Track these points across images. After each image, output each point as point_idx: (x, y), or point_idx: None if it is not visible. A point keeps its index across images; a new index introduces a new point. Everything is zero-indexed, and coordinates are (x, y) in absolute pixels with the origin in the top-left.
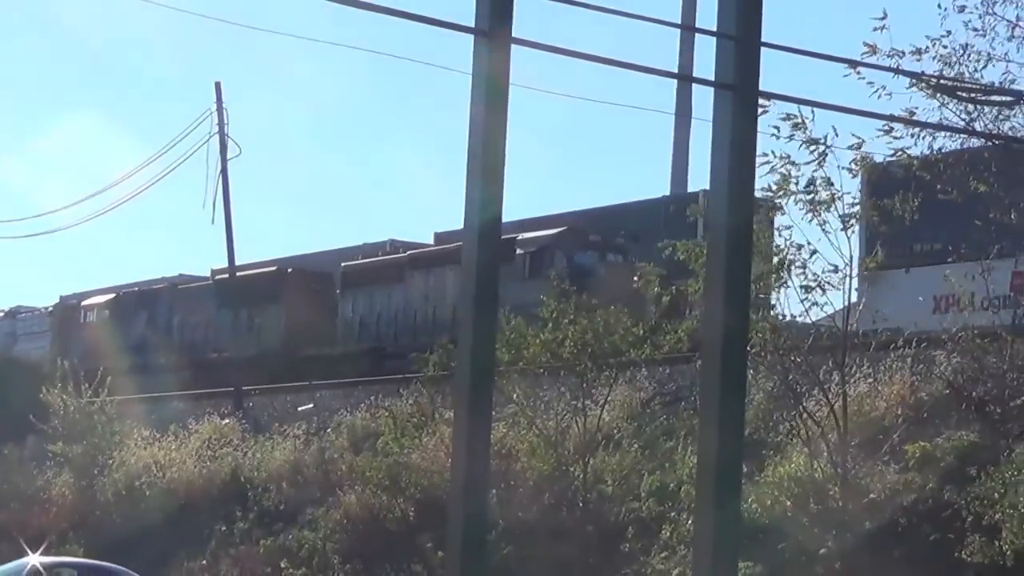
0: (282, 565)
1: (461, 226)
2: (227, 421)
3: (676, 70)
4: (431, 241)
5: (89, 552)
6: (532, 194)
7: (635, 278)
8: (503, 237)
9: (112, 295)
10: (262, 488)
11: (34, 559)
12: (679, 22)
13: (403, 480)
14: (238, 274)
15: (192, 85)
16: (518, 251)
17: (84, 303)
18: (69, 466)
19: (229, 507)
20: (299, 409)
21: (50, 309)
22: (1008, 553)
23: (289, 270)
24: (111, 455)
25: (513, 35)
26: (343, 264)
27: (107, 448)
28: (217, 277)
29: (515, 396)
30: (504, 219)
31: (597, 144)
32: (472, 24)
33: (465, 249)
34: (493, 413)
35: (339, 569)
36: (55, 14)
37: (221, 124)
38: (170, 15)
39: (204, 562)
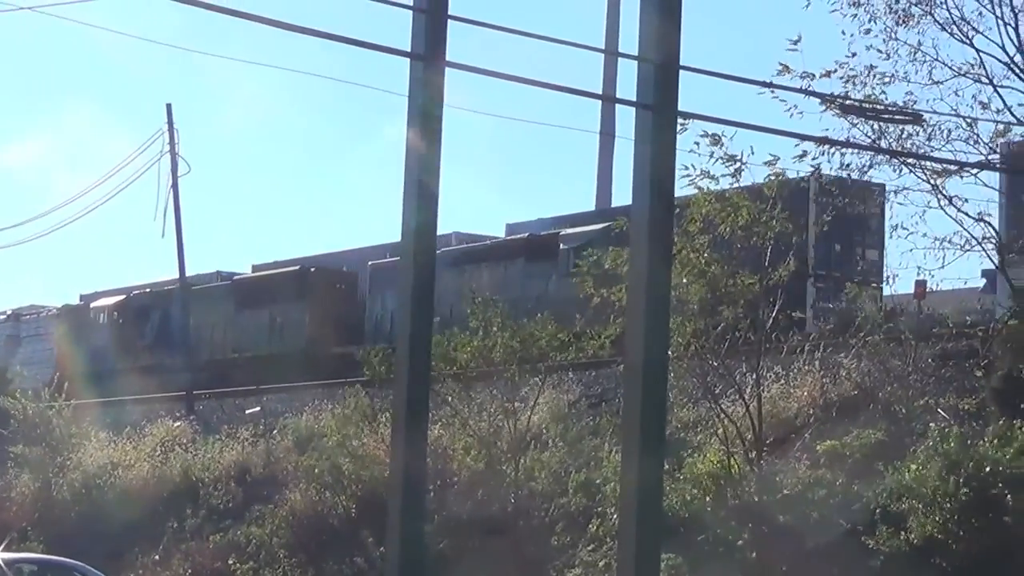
0: (231, 560)
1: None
2: (179, 424)
3: (601, 91)
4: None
5: (49, 549)
6: (469, 208)
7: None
8: (544, 234)
9: (122, 296)
10: (212, 487)
11: None
12: (604, 46)
13: (345, 477)
14: (257, 275)
15: (147, 103)
16: (561, 247)
17: (93, 305)
18: (28, 467)
19: (180, 505)
20: (247, 412)
21: (56, 311)
22: (914, 541)
23: (312, 269)
24: (69, 456)
25: (448, 59)
26: (371, 263)
27: (64, 450)
28: (236, 278)
29: (450, 399)
30: (539, 215)
31: (528, 162)
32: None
33: (402, 263)
34: (429, 415)
35: (285, 563)
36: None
37: (172, 144)
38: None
39: (157, 557)
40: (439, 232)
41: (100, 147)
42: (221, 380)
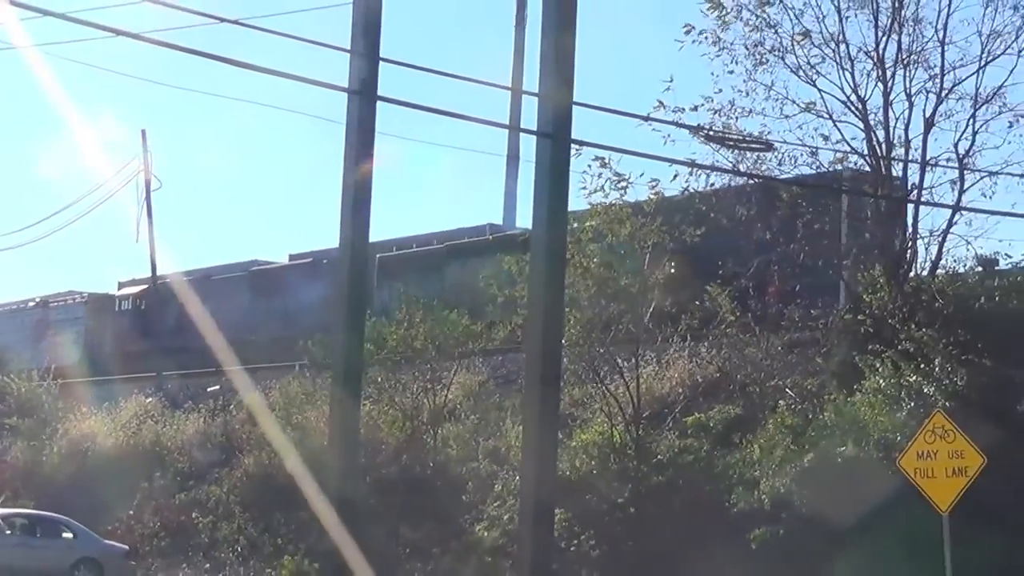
0: (194, 514)
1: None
2: (150, 399)
3: (508, 121)
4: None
5: (38, 505)
6: (390, 219)
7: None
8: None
9: (145, 285)
10: (177, 453)
11: None
12: (511, 76)
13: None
14: (274, 267)
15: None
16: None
17: (118, 293)
18: (21, 436)
19: (151, 468)
20: (208, 389)
21: (84, 298)
22: (765, 500)
23: (324, 261)
24: (56, 427)
25: (379, 93)
26: (379, 255)
27: (53, 421)
28: (252, 269)
29: (379, 379)
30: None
31: (438, 182)
32: (346, 84)
33: (340, 262)
34: (362, 393)
35: (240, 517)
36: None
37: (146, 163)
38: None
39: (131, 512)
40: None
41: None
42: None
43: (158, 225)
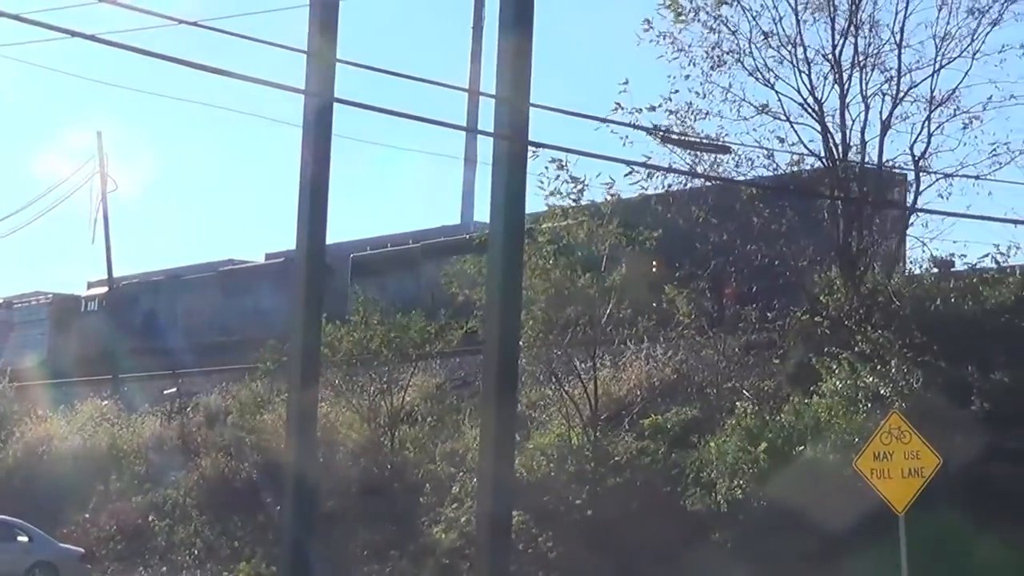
0: (151, 517)
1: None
2: (106, 402)
3: (466, 122)
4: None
5: None
6: (354, 219)
7: (654, 264)
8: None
9: (105, 288)
10: (134, 456)
11: None
12: (468, 79)
13: (247, 448)
14: (245, 266)
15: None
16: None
17: (84, 294)
18: None
19: (107, 471)
20: (164, 392)
21: (49, 299)
22: (721, 502)
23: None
24: (12, 430)
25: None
26: (352, 255)
27: (8, 424)
28: (222, 269)
29: (336, 382)
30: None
31: (403, 183)
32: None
33: (297, 266)
34: (318, 395)
35: (196, 520)
36: None
37: (102, 166)
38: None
39: (87, 516)
40: None
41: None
42: (206, 362)
43: (118, 226)
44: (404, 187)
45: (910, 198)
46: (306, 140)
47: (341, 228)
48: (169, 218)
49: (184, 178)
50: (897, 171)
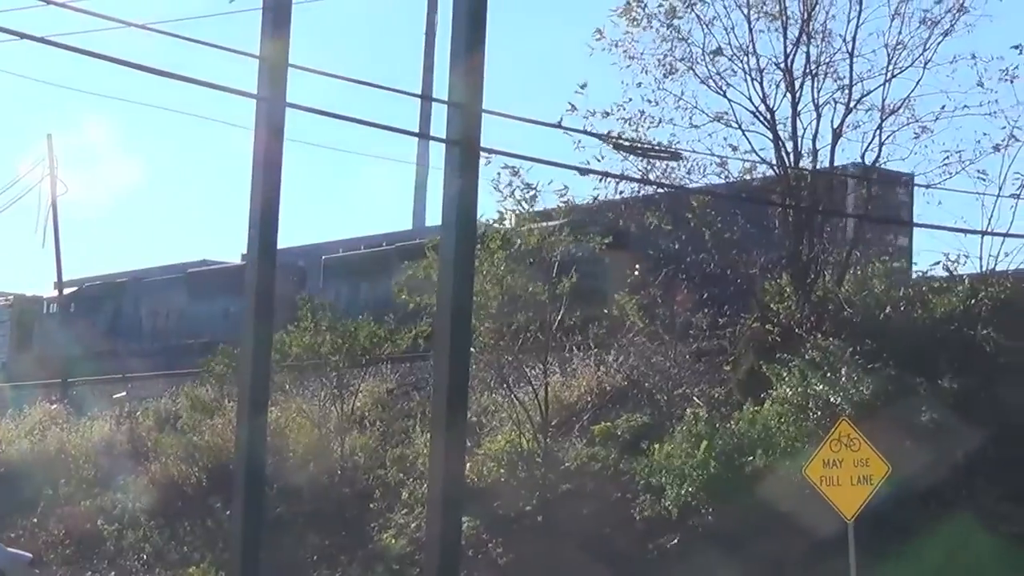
0: (100, 521)
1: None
2: (55, 406)
3: (418, 129)
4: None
5: None
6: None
7: (636, 266)
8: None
9: (74, 288)
10: (83, 460)
11: None
12: (420, 84)
13: (197, 452)
14: (212, 268)
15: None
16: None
17: (46, 296)
18: None
19: (56, 475)
20: (114, 396)
21: (9, 301)
22: (671, 508)
23: None
24: None
25: (288, 100)
26: (324, 257)
27: None
28: (189, 271)
29: (286, 386)
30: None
31: (354, 189)
32: (255, 90)
33: (248, 269)
34: (268, 400)
35: (146, 525)
36: None
37: (52, 169)
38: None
39: (35, 520)
40: None
41: None
42: (172, 364)
43: (88, 228)
44: (361, 191)
45: (853, 206)
46: (257, 145)
47: (306, 232)
48: (152, 218)
49: (163, 178)
50: (901, 172)
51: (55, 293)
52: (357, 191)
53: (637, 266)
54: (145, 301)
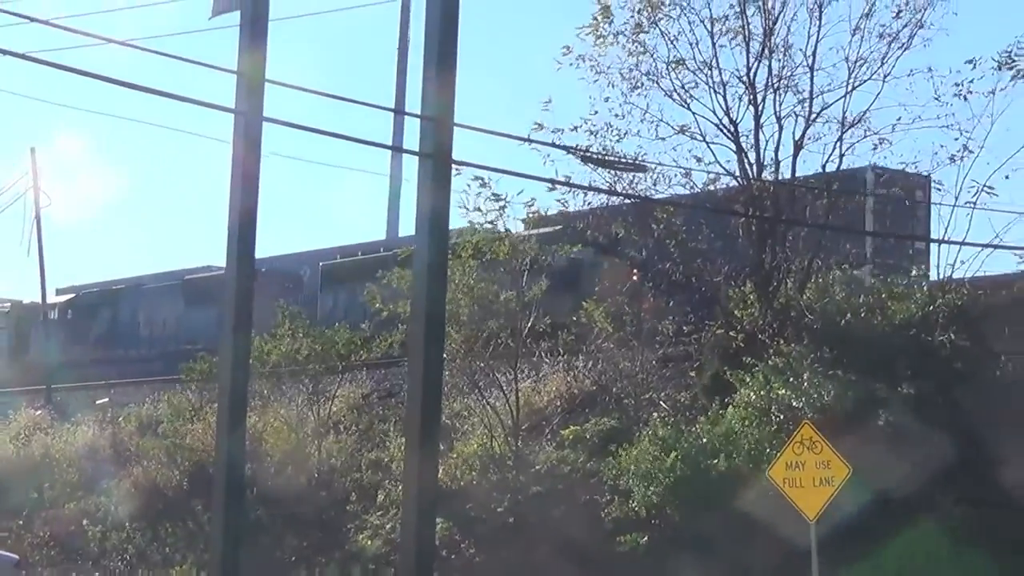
0: (84, 523)
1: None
2: (39, 412)
3: (391, 142)
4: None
5: None
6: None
7: (634, 273)
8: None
9: (72, 295)
10: (67, 464)
11: None
12: (394, 98)
13: (178, 456)
14: (208, 275)
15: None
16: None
17: (46, 303)
18: None
19: (40, 479)
20: (97, 402)
21: (7, 308)
22: (638, 509)
23: (263, 270)
24: None
25: (265, 115)
26: (322, 263)
27: None
28: (186, 278)
29: (264, 392)
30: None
31: (330, 200)
32: (232, 105)
33: (226, 279)
34: (247, 406)
35: (128, 526)
36: None
37: (35, 181)
38: None
39: (21, 523)
40: None
41: None
42: (169, 370)
43: (80, 236)
44: (337, 201)
45: (815, 216)
46: (235, 157)
47: (283, 242)
48: (145, 226)
49: (155, 186)
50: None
51: (56, 299)
52: (333, 202)
53: (635, 274)
54: (142, 308)
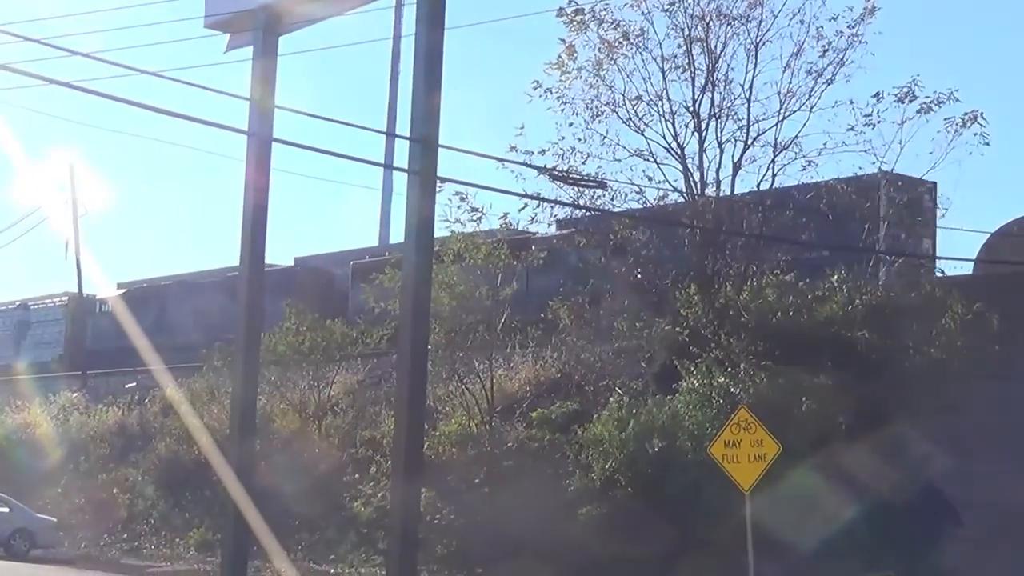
0: (115, 491)
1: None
2: (76, 394)
3: (383, 160)
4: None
5: None
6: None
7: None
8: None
9: (124, 290)
10: (100, 440)
11: None
12: (386, 117)
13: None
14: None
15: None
16: (533, 247)
17: (99, 296)
18: None
19: (76, 454)
20: (126, 386)
21: (65, 301)
22: (596, 481)
23: (298, 268)
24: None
25: (274, 136)
26: (352, 263)
27: None
28: (228, 275)
29: (272, 378)
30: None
31: (332, 211)
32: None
33: (239, 279)
34: (258, 390)
35: (153, 494)
36: None
37: (73, 193)
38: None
39: (59, 491)
40: None
41: None
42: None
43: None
44: (337, 211)
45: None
46: (248, 173)
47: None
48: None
49: (181, 192)
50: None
51: (113, 293)
52: (333, 211)
53: (638, 273)
54: (188, 302)
